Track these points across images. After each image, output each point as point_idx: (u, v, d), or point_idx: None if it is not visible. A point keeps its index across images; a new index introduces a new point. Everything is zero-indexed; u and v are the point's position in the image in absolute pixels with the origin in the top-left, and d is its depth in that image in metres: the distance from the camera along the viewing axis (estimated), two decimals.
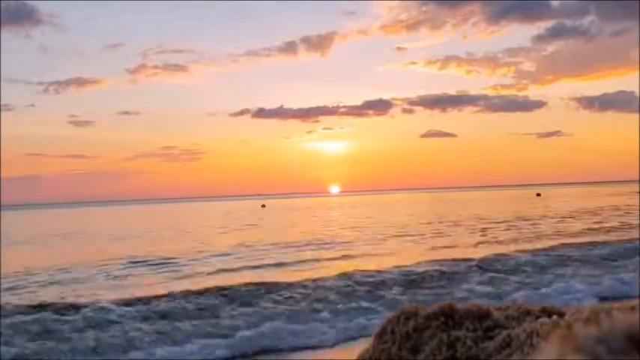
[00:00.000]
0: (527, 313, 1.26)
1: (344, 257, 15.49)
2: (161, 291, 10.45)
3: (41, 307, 9.14)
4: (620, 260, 12.93)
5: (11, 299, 10.42)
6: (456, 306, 1.30)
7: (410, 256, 14.99)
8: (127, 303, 9.31)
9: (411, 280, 11.09)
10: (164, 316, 8.70)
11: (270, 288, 10.31)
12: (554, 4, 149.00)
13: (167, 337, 7.82)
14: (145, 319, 8.47)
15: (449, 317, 1.27)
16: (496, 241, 17.90)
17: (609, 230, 19.98)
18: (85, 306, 9.10)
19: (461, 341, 1.22)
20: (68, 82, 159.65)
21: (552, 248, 14.79)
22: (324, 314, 8.77)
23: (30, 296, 10.77)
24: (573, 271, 11.93)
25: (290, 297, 9.76)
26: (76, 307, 9.05)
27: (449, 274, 11.62)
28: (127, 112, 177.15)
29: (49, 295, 10.76)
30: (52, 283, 12.53)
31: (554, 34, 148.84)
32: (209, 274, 13.20)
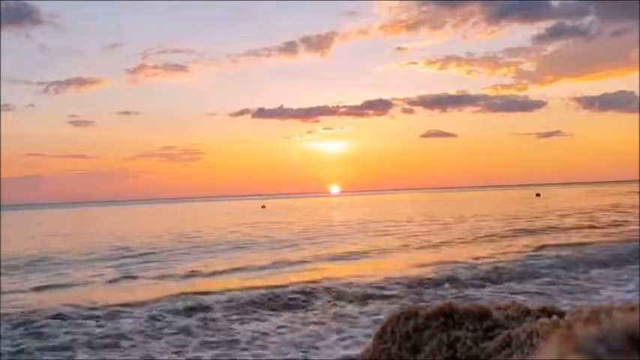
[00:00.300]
0: (527, 313, 1.26)
1: (344, 259, 15.49)
2: (161, 294, 10.45)
3: (33, 313, 9.07)
4: (620, 262, 12.91)
5: (8, 302, 10.41)
6: (456, 306, 1.30)
7: (411, 258, 15.00)
8: (125, 307, 9.28)
9: (412, 284, 11.07)
10: (161, 321, 8.65)
11: (269, 291, 10.30)
12: (554, 4, 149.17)
13: (166, 343, 7.78)
14: (142, 325, 8.40)
15: (449, 317, 1.27)
16: (496, 243, 17.89)
17: (608, 230, 19.97)
18: (81, 313, 9.06)
19: (461, 341, 1.21)
20: (68, 82, 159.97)
21: (553, 249, 14.80)
22: (324, 317, 8.74)
23: (25, 301, 10.71)
24: (577, 273, 11.91)
25: (290, 300, 9.72)
26: (71, 314, 9.00)
27: (450, 276, 11.61)
28: (127, 112, 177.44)
29: (45, 300, 10.71)
30: (49, 286, 12.45)
31: (554, 34, 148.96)
32: (208, 275, 13.20)
